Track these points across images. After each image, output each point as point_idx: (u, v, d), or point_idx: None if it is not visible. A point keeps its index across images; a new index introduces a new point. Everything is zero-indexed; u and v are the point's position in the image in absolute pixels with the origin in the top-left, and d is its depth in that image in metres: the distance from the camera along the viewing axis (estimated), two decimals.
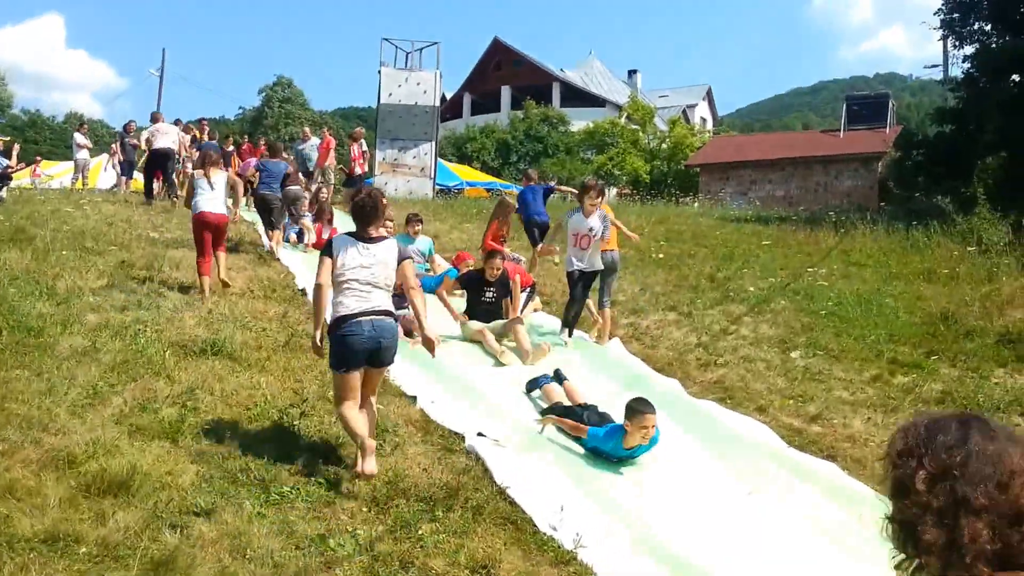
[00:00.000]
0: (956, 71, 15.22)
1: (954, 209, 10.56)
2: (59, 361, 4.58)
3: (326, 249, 3.88)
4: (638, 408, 4.30)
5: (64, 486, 3.29)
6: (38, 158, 21.98)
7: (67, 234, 8.05)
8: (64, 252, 7.19)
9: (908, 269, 9.07)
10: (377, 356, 3.83)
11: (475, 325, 6.47)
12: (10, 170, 11.48)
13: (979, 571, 1.08)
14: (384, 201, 4.08)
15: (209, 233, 6.72)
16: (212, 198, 6.72)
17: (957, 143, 12.90)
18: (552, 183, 11.01)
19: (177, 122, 14.54)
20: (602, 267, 6.50)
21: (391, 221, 8.13)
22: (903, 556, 1.18)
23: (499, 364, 6.02)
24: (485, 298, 6.68)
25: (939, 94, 19.40)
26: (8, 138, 14.88)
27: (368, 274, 3.81)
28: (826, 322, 7.19)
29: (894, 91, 26.99)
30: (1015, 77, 12.67)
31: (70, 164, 19.27)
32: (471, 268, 8.56)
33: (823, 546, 3.69)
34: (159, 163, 11.94)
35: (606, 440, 4.45)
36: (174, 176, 12.62)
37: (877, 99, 23.43)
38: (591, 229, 6.31)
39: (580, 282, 6.48)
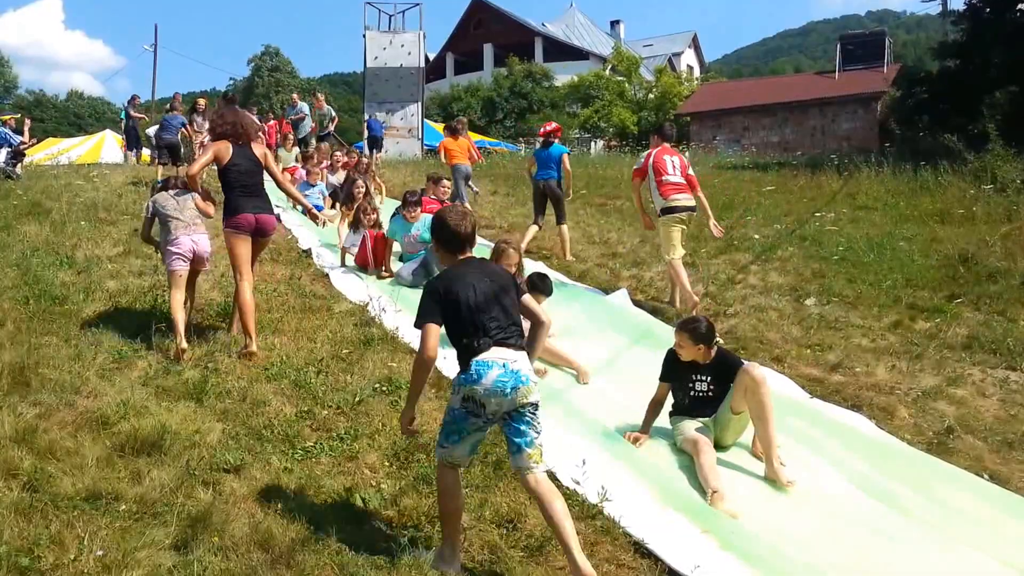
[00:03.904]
0: (955, 3, 14.78)
1: (964, 147, 10.29)
2: (84, 327, 4.79)
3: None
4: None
5: (100, 446, 3.44)
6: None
7: (80, 206, 8.37)
8: (80, 223, 7.47)
9: (919, 211, 8.88)
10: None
11: (687, 429, 3.95)
12: (23, 146, 11.74)
13: None
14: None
15: None
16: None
17: (962, 78, 12.52)
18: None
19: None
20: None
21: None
22: None
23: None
24: (695, 389, 4.06)
25: (936, 29, 18.95)
26: (18, 115, 14.71)
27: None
28: (838, 268, 7.03)
29: (888, 28, 26.46)
30: (1021, 6, 12.26)
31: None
32: None
33: (849, 497, 3.56)
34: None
35: None
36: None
37: (873, 37, 22.96)
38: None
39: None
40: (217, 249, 7.00)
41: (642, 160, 6.44)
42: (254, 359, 4.56)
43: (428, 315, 2.81)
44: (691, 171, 6.42)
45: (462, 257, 2.96)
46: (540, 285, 5.83)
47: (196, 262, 4.92)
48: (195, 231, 4.90)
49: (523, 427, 2.81)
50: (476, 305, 2.81)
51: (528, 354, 2.91)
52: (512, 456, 2.87)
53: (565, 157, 7.98)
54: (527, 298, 3.03)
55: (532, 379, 2.82)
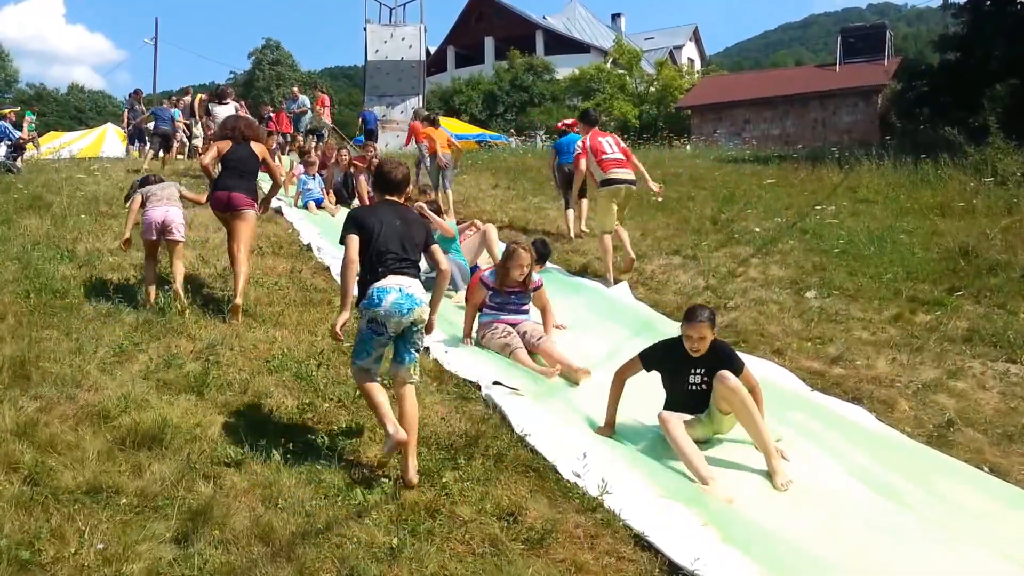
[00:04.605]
0: None
1: (964, 140, 10.25)
2: (85, 321, 4.77)
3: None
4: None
5: (101, 440, 3.44)
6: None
7: (82, 199, 8.32)
8: (81, 217, 7.44)
9: (920, 204, 8.85)
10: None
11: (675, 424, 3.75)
12: (22, 141, 11.86)
13: None
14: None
15: None
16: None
17: (963, 71, 12.48)
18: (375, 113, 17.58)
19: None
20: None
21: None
22: None
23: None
24: (690, 383, 3.89)
25: (937, 21, 18.87)
26: (18, 109, 14.78)
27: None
28: (838, 261, 7.02)
29: (889, 21, 26.36)
30: None
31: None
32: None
33: (850, 491, 3.56)
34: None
35: None
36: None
37: (874, 30, 22.84)
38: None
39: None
40: (219, 243, 7.03)
41: (579, 146, 7.23)
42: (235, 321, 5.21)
43: (346, 233, 3.46)
44: (624, 144, 7.26)
45: (388, 198, 3.67)
46: (543, 250, 6.32)
47: (166, 231, 5.36)
48: (167, 204, 5.43)
49: (409, 345, 3.44)
50: (379, 237, 3.40)
51: (431, 304, 3.50)
52: (394, 364, 3.49)
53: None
54: (435, 248, 3.61)
55: (425, 302, 3.42)
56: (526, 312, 5.25)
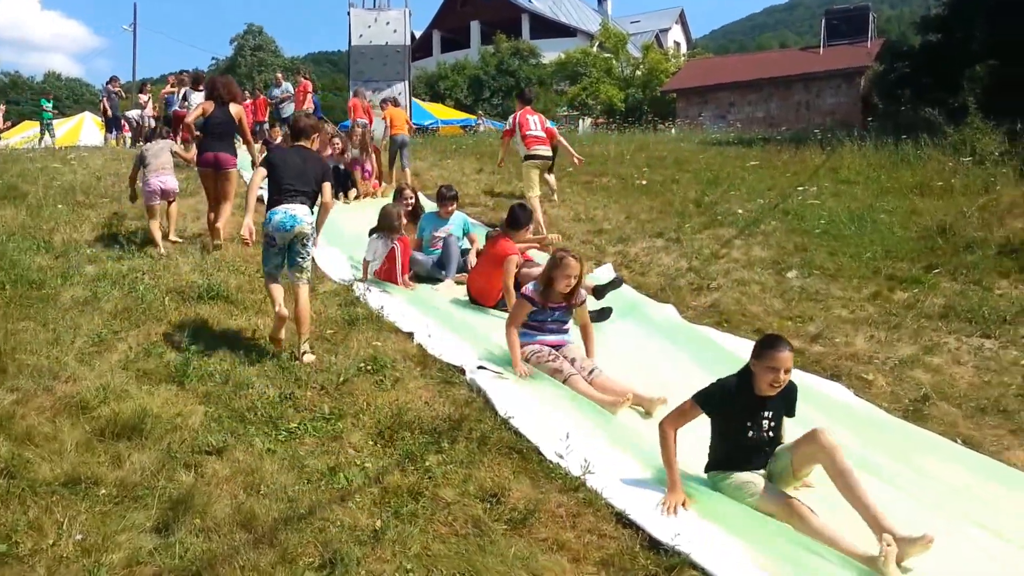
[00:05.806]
0: None
1: (944, 120, 10.32)
2: (62, 311, 4.75)
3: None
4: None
5: (79, 431, 3.41)
6: None
7: (58, 189, 8.23)
8: (58, 207, 7.37)
9: (900, 184, 8.93)
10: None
11: (750, 481, 3.17)
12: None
13: None
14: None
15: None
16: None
17: (944, 52, 12.53)
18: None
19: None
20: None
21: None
22: None
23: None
24: (758, 428, 3.22)
25: (920, 3, 18.90)
26: None
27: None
28: (819, 241, 7.07)
29: (873, 3, 26.33)
30: None
31: None
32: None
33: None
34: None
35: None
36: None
37: (857, 12, 22.77)
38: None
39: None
40: (198, 232, 6.95)
41: (510, 122, 8.29)
42: (218, 243, 6.37)
43: (259, 165, 4.60)
44: (549, 124, 8.38)
45: (295, 143, 4.71)
46: (521, 216, 6.04)
47: (164, 196, 6.50)
48: (162, 174, 6.46)
49: (295, 255, 4.47)
50: (280, 173, 4.46)
51: (316, 225, 4.55)
52: (288, 270, 4.51)
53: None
54: (325, 185, 4.63)
55: (306, 221, 4.43)
56: (567, 332, 4.71)
